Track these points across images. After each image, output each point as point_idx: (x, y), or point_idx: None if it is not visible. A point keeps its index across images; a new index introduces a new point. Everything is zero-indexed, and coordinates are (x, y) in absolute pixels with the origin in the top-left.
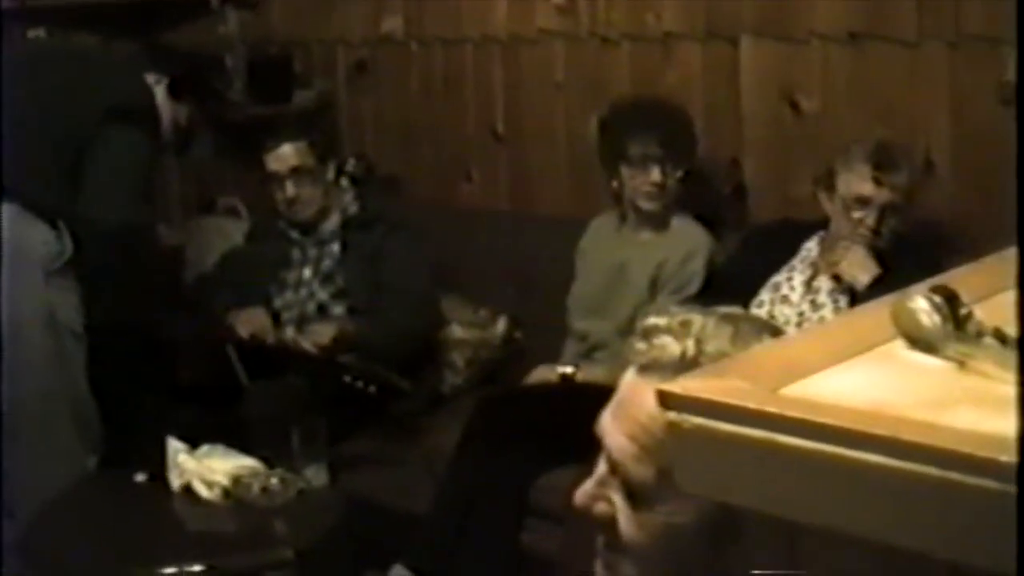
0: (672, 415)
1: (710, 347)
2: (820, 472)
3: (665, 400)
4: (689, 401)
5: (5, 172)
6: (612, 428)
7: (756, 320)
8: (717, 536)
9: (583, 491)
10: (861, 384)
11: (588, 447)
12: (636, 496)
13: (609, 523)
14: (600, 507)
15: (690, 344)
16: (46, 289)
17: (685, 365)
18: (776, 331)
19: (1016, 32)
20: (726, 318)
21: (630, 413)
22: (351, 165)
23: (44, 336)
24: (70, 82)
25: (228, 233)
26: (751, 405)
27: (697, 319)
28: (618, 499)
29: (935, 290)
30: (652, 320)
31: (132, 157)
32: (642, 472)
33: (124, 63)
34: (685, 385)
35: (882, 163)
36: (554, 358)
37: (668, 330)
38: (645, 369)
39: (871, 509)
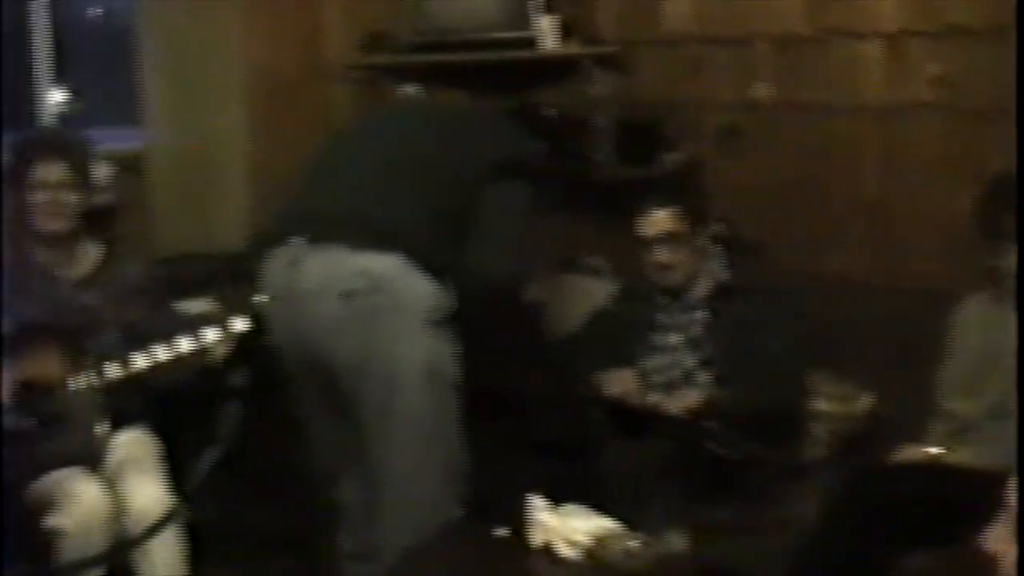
0: None
1: None
2: None
3: None
4: None
5: (391, 225)
6: None
7: None
8: None
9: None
10: None
11: (954, 531)
12: None
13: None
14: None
15: None
16: (427, 341)
17: None
18: None
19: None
20: None
21: None
22: (720, 231)
23: (423, 386)
24: (454, 140)
25: (590, 292)
26: None
27: None
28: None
29: None
30: None
31: (516, 216)
32: None
33: (503, 122)
34: None
35: None
36: (919, 436)
37: None
38: None
39: None
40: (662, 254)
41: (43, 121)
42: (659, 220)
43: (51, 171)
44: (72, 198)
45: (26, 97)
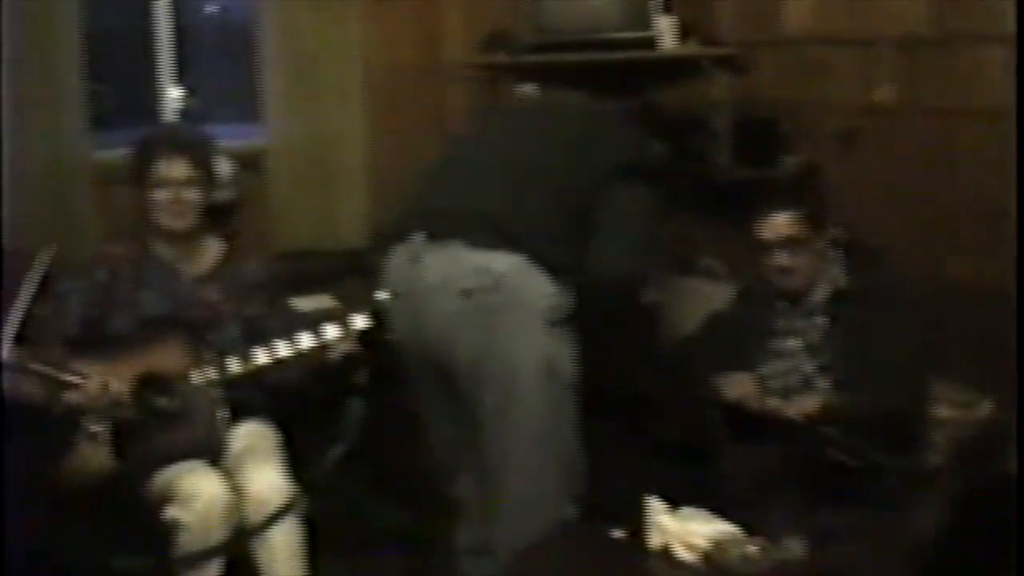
0: None
1: None
2: None
3: None
4: None
5: (511, 224)
6: None
7: None
8: None
9: None
10: None
11: None
12: None
13: None
14: None
15: None
16: (546, 340)
17: None
18: None
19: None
20: None
21: None
22: (839, 235)
23: (541, 385)
24: (576, 140)
25: (706, 295)
26: None
27: None
28: None
29: None
30: None
31: (641, 216)
32: None
33: (625, 122)
34: None
35: None
36: None
37: None
38: None
39: None
40: (782, 258)
41: (164, 118)
42: (779, 224)
43: (174, 168)
44: (195, 195)
45: (148, 94)
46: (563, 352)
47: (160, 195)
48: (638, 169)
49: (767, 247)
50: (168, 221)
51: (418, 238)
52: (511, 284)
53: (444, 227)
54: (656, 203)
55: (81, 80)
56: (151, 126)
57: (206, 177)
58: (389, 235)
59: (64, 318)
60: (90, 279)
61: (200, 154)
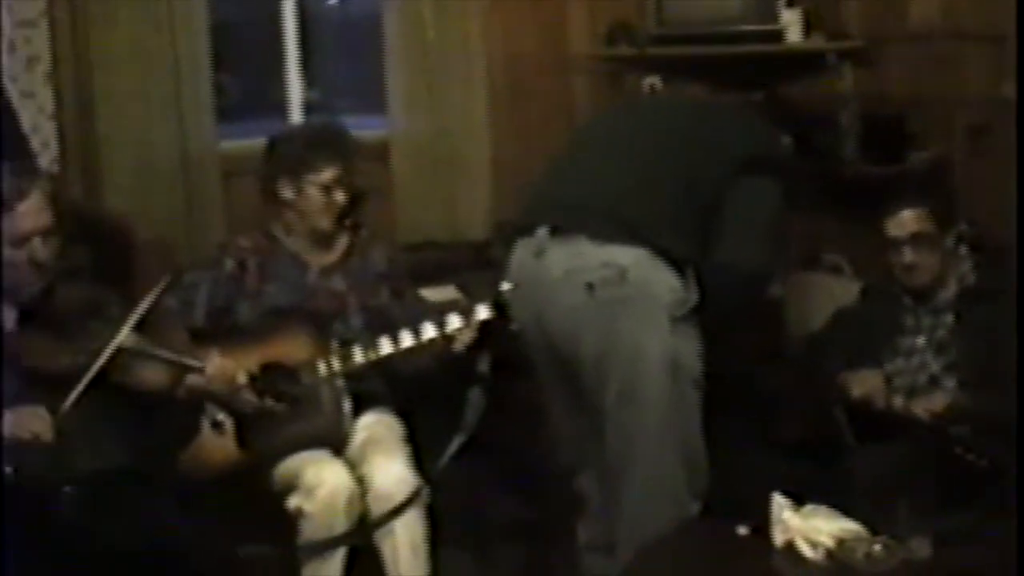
0: None
1: None
2: None
3: None
4: None
5: (636, 218)
6: None
7: None
8: None
9: None
10: None
11: None
12: None
13: None
14: None
15: None
16: (670, 334)
17: None
18: None
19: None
20: None
21: None
22: (968, 232)
23: (665, 380)
24: (702, 134)
25: (831, 291)
26: None
27: None
28: None
29: None
30: None
31: (767, 211)
32: None
33: (751, 116)
34: None
35: None
36: None
37: None
38: None
39: None
40: (908, 255)
41: (289, 110)
42: (906, 220)
43: (328, 173)
44: (343, 197)
45: (273, 86)
46: (687, 346)
47: (314, 196)
48: (764, 163)
49: (894, 243)
50: (318, 222)
51: (542, 231)
52: (635, 278)
53: (568, 220)
54: (782, 198)
55: (207, 72)
56: (287, 123)
57: (353, 178)
58: (515, 227)
59: (191, 308)
60: (218, 270)
61: (353, 156)
